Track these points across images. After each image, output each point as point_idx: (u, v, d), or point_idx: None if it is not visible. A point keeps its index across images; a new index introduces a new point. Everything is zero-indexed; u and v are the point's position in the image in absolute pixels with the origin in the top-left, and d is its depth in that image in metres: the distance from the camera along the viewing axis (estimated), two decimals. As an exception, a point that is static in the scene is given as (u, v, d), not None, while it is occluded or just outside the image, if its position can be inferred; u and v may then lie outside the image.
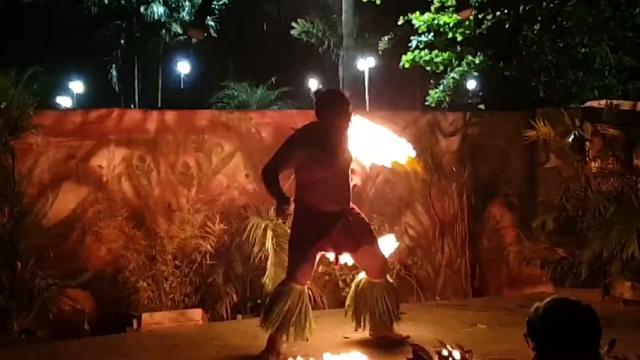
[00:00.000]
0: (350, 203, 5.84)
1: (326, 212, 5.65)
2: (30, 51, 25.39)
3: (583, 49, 14.53)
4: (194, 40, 28.91)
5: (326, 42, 27.27)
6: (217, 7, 28.80)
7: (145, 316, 7.06)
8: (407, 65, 17.77)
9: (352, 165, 5.88)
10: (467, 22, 16.10)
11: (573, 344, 2.48)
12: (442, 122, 8.83)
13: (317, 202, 5.65)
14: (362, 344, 5.84)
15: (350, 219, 5.75)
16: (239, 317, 7.50)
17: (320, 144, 5.62)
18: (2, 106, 6.92)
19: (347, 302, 6.25)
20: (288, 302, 5.61)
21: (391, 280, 6.16)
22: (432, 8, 17.03)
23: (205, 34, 27.53)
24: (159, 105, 27.68)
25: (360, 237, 5.79)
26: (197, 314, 7.28)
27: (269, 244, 7.38)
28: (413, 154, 6.26)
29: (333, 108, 5.73)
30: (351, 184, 5.84)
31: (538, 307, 2.57)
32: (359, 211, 5.93)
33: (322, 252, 5.81)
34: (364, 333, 6.06)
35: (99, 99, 26.38)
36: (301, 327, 5.68)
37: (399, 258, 8.01)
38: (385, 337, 5.96)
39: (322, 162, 5.62)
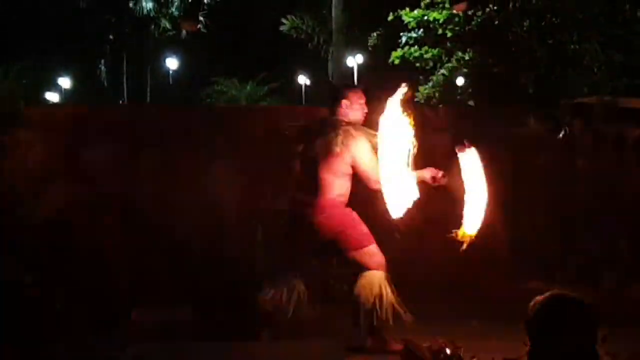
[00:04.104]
0: None
1: None
2: (18, 47, 25.30)
3: (572, 46, 14.56)
4: (183, 34, 28.85)
5: (316, 38, 27.25)
6: (207, 3, 28.76)
7: (135, 311, 7.03)
8: (396, 62, 17.76)
9: None
10: (457, 19, 16.12)
11: (571, 339, 2.49)
12: (432, 118, 8.82)
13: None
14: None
15: None
16: (231, 312, 7.48)
17: None
18: (-9, 101, 6.89)
19: None
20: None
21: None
22: (422, 4, 17.03)
23: (198, 26, 27.57)
24: (148, 101, 27.64)
25: None
26: (187, 309, 7.25)
27: (259, 238, 7.38)
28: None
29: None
30: None
31: (537, 301, 2.57)
32: None
33: None
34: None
35: (87, 95, 26.35)
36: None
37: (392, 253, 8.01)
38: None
39: None
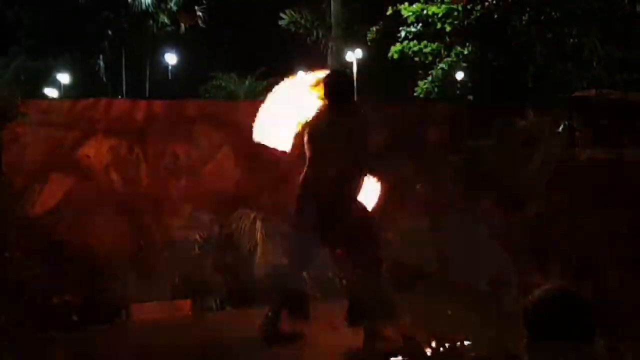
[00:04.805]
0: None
1: None
2: (17, 43, 25.28)
3: (572, 40, 14.52)
4: (182, 29, 28.82)
5: (315, 33, 27.20)
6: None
7: (134, 307, 7.03)
8: (395, 56, 17.70)
9: None
10: (455, 13, 16.07)
11: (568, 332, 2.47)
12: (431, 112, 8.82)
13: None
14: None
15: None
16: (228, 308, 7.48)
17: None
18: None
19: None
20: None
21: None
22: (421, -2, 16.99)
23: (196, 19, 27.50)
24: (147, 96, 27.59)
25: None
26: (186, 304, 7.25)
27: (257, 234, 7.37)
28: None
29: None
30: None
31: (535, 294, 2.56)
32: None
33: None
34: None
35: (86, 90, 26.23)
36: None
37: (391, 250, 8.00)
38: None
39: None
